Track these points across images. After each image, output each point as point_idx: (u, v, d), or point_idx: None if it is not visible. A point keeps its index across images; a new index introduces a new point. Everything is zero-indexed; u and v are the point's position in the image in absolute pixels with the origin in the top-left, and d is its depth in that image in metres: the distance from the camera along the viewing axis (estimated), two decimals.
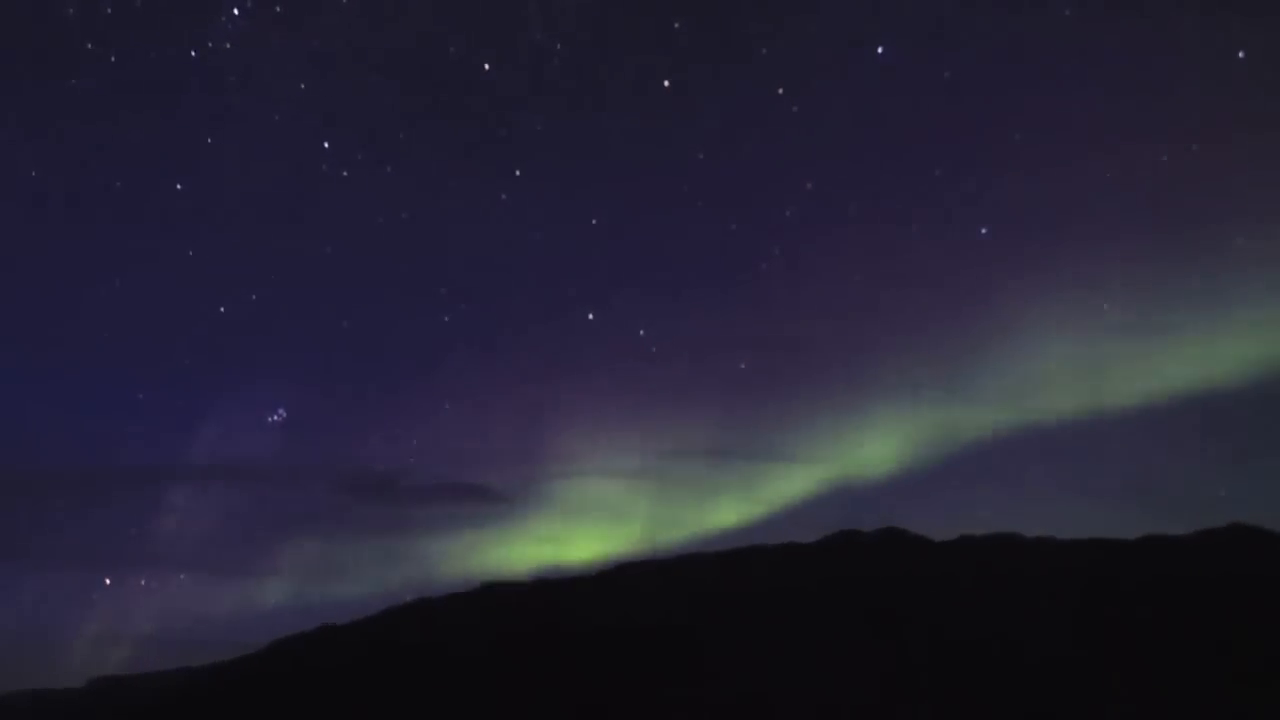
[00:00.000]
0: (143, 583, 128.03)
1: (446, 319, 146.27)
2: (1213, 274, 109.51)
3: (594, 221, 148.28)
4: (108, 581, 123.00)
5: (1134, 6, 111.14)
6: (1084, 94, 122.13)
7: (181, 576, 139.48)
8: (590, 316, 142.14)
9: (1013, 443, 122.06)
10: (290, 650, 71.21)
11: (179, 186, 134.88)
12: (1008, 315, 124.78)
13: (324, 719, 52.35)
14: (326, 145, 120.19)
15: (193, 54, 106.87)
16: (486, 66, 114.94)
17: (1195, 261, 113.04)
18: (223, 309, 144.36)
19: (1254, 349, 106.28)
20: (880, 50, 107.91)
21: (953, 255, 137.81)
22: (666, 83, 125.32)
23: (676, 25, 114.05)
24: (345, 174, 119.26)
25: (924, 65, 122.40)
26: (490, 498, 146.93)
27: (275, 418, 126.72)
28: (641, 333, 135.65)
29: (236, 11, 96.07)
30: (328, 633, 70.68)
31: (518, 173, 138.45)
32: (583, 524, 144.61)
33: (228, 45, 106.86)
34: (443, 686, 47.89)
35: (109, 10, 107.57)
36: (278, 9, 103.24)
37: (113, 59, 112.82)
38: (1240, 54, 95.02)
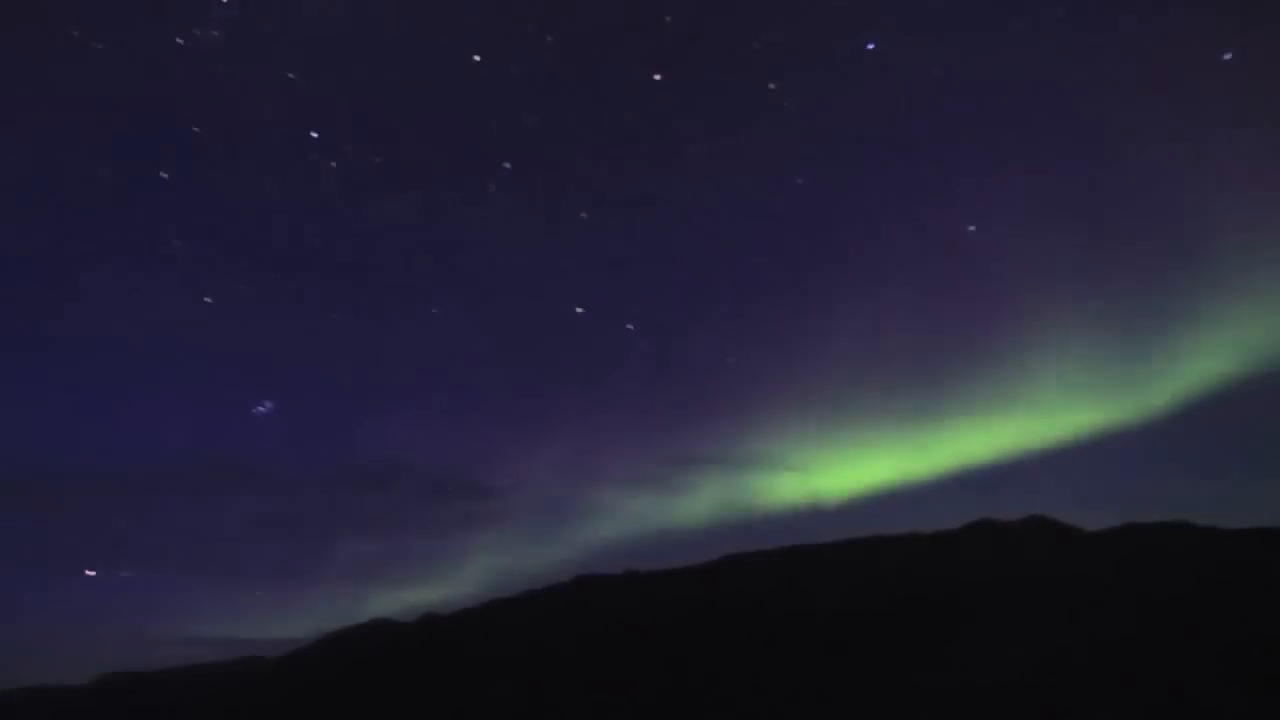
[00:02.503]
0: (125, 574, 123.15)
1: (435, 311, 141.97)
2: (1202, 270, 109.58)
3: (583, 215, 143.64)
4: (90, 573, 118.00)
5: (1125, 7, 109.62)
6: (1075, 93, 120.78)
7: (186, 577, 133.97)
8: (579, 310, 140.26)
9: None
10: (327, 648, 65.08)
11: (164, 175, 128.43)
12: (992, 312, 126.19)
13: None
14: (315, 135, 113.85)
15: (179, 41, 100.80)
16: (477, 58, 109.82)
17: (1186, 257, 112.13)
18: (209, 299, 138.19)
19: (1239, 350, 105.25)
20: (871, 46, 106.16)
21: (940, 252, 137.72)
22: (657, 75, 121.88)
23: (668, 18, 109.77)
24: (334, 164, 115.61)
25: (914, 61, 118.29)
26: (484, 495, 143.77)
27: (261, 409, 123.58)
28: (630, 327, 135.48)
29: None
30: (379, 626, 64.53)
31: (507, 165, 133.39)
32: (577, 523, 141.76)
33: (215, 33, 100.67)
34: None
35: None
36: None
37: (98, 46, 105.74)
38: (1227, 55, 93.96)
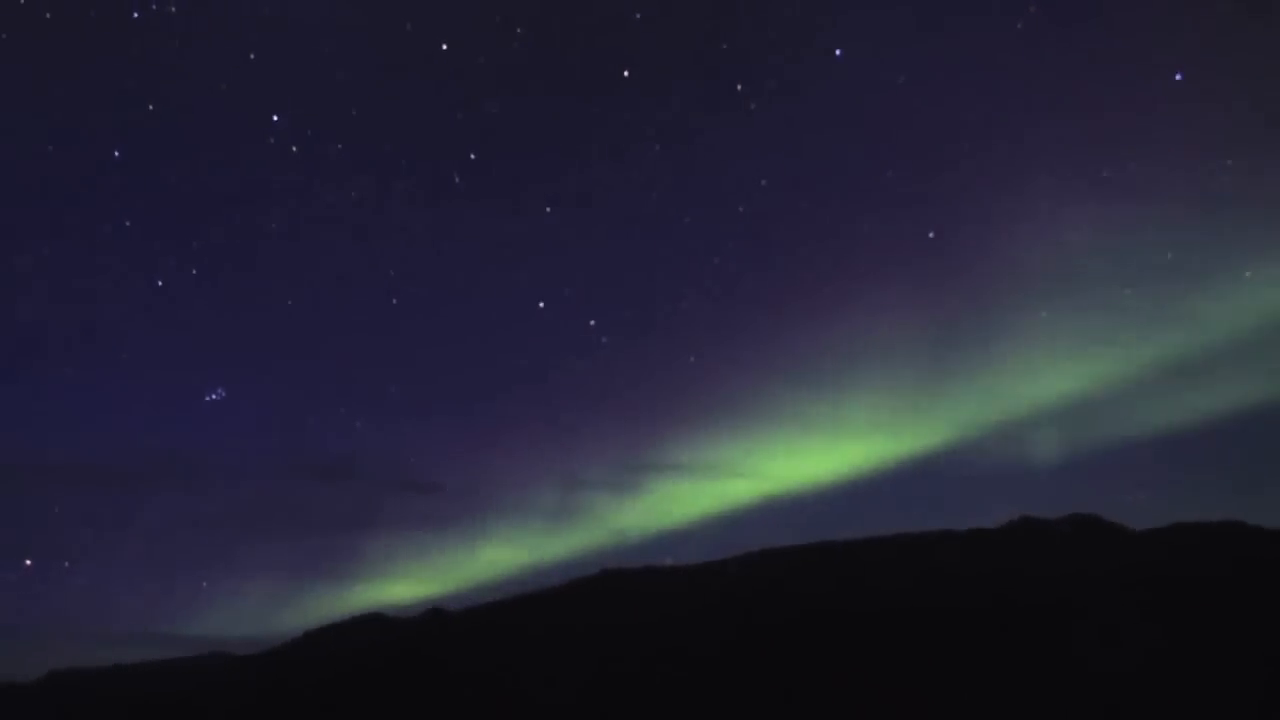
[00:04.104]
0: (66, 565, 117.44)
1: (394, 301, 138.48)
2: (1149, 286, 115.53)
3: (548, 209, 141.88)
4: (28, 563, 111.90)
5: (1086, 23, 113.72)
6: (1032, 104, 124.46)
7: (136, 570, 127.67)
8: (541, 305, 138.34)
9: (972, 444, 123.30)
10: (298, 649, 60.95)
11: (116, 154, 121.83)
12: (948, 317, 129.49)
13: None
14: (275, 119, 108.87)
15: (135, 15, 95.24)
16: (444, 46, 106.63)
17: (1135, 273, 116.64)
18: (160, 283, 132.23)
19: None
20: (838, 53, 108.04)
21: (900, 256, 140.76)
22: (626, 72, 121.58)
23: (638, 15, 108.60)
24: (294, 149, 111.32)
25: (879, 69, 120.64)
26: (437, 491, 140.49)
27: (213, 397, 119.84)
28: (592, 323, 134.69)
29: None
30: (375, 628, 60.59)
31: (472, 156, 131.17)
32: (536, 523, 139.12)
33: (173, 8, 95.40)
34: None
35: None
36: None
37: (47, 15, 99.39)
38: (1178, 76, 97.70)
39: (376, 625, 58.25)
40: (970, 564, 44.56)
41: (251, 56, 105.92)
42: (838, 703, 31.38)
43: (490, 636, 45.06)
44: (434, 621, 53.24)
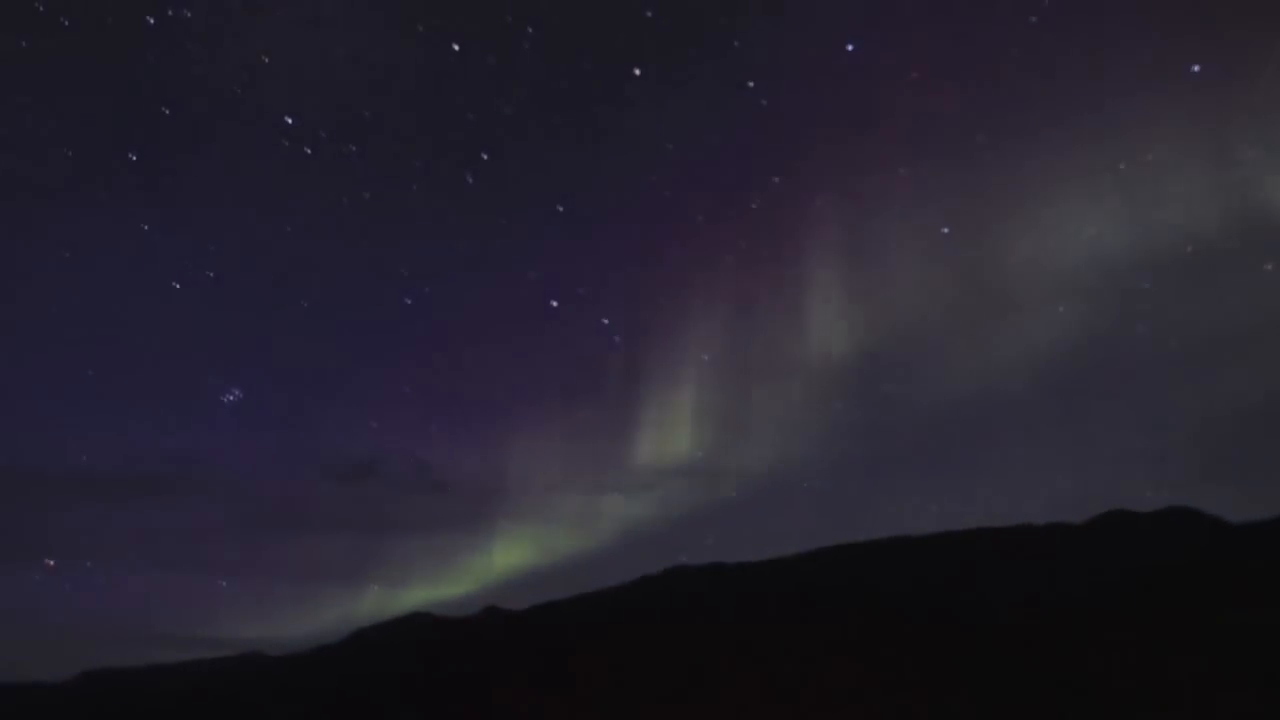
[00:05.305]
0: (89, 564, 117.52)
1: (408, 301, 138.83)
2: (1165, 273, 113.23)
3: (560, 209, 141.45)
4: (50, 563, 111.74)
5: (1096, 16, 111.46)
6: (1047, 97, 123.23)
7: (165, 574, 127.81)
8: (554, 304, 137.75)
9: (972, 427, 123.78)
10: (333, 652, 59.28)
11: (133, 157, 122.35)
12: (961, 314, 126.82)
13: None
14: (289, 121, 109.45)
15: (150, 20, 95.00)
16: (456, 47, 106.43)
17: (1150, 263, 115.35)
18: (177, 285, 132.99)
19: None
20: (850, 48, 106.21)
21: (914, 252, 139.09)
22: (637, 70, 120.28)
23: (648, 14, 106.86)
24: (308, 151, 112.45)
25: (892, 64, 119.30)
26: (458, 493, 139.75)
27: (230, 398, 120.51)
28: (605, 321, 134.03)
29: None
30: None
31: (484, 156, 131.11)
32: (550, 527, 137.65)
33: (188, 13, 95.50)
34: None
35: None
36: None
37: (65, 22, 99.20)
38: (1195, 68, 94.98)
39: (430, 624, 56.54)
40: (1059, 559, 42.55)
41: (265, 60, 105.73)
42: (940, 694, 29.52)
43: (567, 634, 43.31)
44: (491, 620, 51.47)
